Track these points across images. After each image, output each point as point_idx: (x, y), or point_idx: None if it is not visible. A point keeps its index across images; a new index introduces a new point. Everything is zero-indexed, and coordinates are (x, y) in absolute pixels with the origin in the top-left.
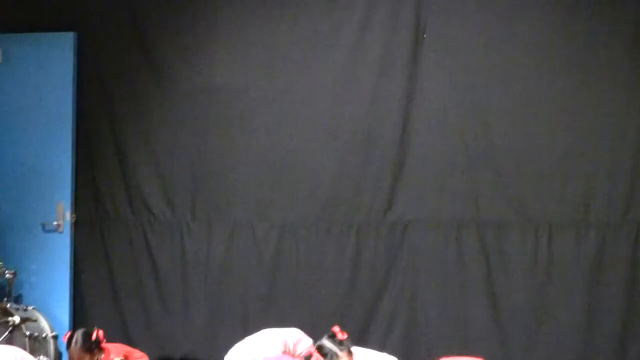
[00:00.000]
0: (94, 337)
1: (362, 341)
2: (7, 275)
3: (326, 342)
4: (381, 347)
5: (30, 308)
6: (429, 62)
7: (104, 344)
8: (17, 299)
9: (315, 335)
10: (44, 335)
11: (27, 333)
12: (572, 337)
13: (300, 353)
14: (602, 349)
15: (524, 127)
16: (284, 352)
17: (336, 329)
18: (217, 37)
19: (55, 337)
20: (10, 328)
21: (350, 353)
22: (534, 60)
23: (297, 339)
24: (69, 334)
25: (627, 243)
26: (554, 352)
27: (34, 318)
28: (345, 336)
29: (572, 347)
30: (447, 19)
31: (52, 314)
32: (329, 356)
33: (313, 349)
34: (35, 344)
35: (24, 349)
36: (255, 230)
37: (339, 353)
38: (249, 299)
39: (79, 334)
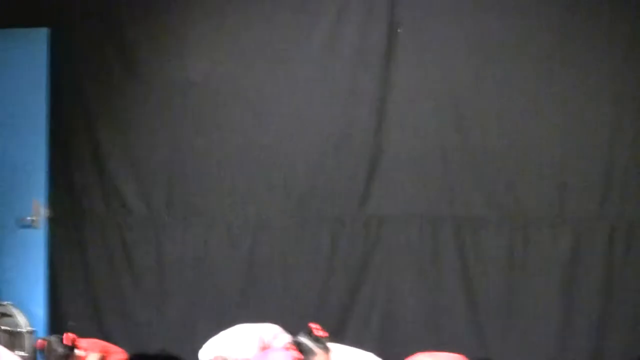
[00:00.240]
0: (67, 341)
1: (338, 337)
2: None
3: (303, 339)
4: (357, 343)
5: (6, 303)
6: (403, 57)
7: (79, 343)
8: None
9: (291, 331)
10: (19, 330)
11: (3, 328)
12: (548, 333)
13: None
14: (577, 345)
15: (499, 123)
16: (261, 348)
17: (313, 325)
18: (192, 33)
19: (31, 332)
20: None
21: (327, 350)
22: (508, 55)
23: (273, 334)
24: (41, 342)
25: (603, 239)
26: (529, 348)
27: (10, 313)
28: (322, 333)
29: (547, 344)
30: (422, 13)
31: (28, 309)
32: (305, 353)
33: (290, 345)
34: (11, 339)
35: (1, 344)
36: (231, 226)
37: (316, 350)
38: (225, 295)
39: (52, 343)
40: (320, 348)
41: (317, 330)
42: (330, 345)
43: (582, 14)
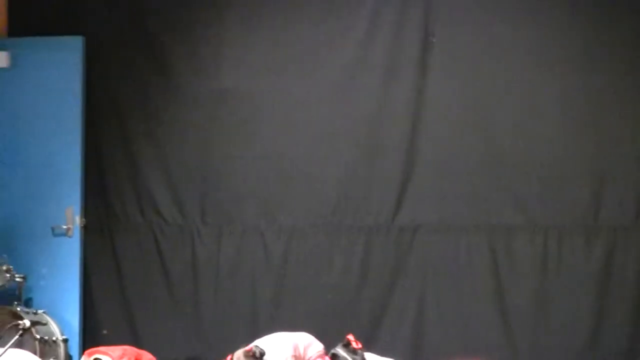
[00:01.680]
0: None
1: (369, 344)
2: (17, 279)
3: (340, 351)
4: (388, 351)
5: (40, 312)
6: (436, 66)
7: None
8: (27, 303)
9: (323, 339)
10: (54, 339)
11: (37, 336)
12: (580, 342)
13: (311, 357)
14: (610, 354)
15: (533, 131)
16: (294, 356)
17: (350, 337)
18: (225, 41)
19: (65, 341)
20: (21, 332)
21: None
22: (541, 65)
23: (307, 343)
24: None
25: (637, 248)
26: (561, 357)
27: (44, 322)
28: (360, 345)
29: (580, 353)
30: (455, 23)
31: (61, 317)
32: None
33: (322, 352)
34: (45, 347)
35: (34, 352)
36: (264, 234)
37: None
38: (258, 303)
39: None
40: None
41: (354, 342)
42: (366, 356)
43: (611, 23)
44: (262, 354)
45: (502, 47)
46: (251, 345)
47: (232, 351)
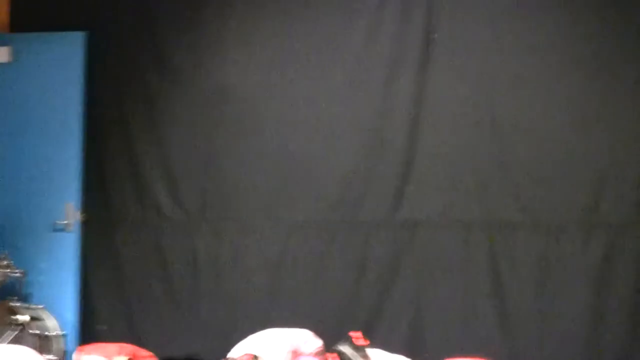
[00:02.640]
0: None
1: (368, 340)
2: (17, 274)
3: (344, 348)
4: (387, 347)
5: (38, 307)
6: (439, 62)
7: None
8: (26, 298)
9: (322, 335)
10: (52, 334)
11: (35, 332)
12: (579, 339)
13: (310, 354)
14: (609, 352)
15: (534, 128)
16: (291, 352)
17: (354, 334)
18: (228, 37)
19: (63, 336)
20: (19, 327)
21: (367, 358)
22: (544, 61)
23: (304, 339)
24: None
25: (636, 245)
26: (560, 354)
27: (42, 317)
28: (367, 342)
29: (579, 350)
30: (458, 19)
31: (60, 313)
32: None
33: (321, 348)
34: (43, 343)
35: (33, 348)
36: (264, 230)
37: (356, 359)
38: (257, 299)
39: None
40: (361, 357)
41: (358, 339)
42: (370, 352)
43: (617, 20)
44: None
45: (504, 44)
46: (247, 354)
47: (229, 348)
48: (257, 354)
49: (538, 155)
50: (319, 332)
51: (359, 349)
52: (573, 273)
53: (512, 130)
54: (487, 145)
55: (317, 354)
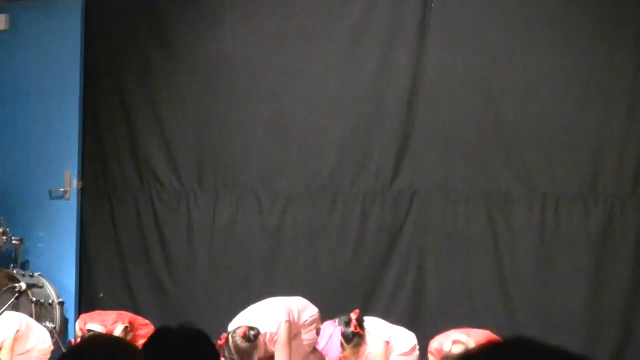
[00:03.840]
0: None
1: (367, 311)
2: (14, 242)
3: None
4: (386, 317)
5: (36, 275)
6: (437, 32)
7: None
8: (24, 266)
9: (319, 305)
10: (50, 301)
11: (34, 299)
12: (578, 308)
13: (305, 322)
14: (608, 320)
15: (532, 99)
16: (288, 321)
17: (353, 316)
18: (226, 8)
19: (61, 304)
20: (17, 294)
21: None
22: (542, 33)
23: (302, 307)
24: None
25: (636, 215)
26: (560, 323)
27: (40, 285)
28: (358, 329)
29: (578, 319)
30: None
31: (58, 281)
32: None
33: (317, 316)
34: (41, 310)
35: (30, 315)
36: (261, 200)
37: (345, 345)
38: (254, 268)
39: None
40: (350, 342)
41: (353, 323)
42: (370, 322)
43: None
44: (256, 336)
45: (504, 13)
46: (244, 327)
47: (226, 317)
48: (253, 326)
49: (537, 126)
50: (317, 302)
51: (350, 333)
52: (572, 243)
53: (511, 101)
54: (485, 116)
55: (313, 321)
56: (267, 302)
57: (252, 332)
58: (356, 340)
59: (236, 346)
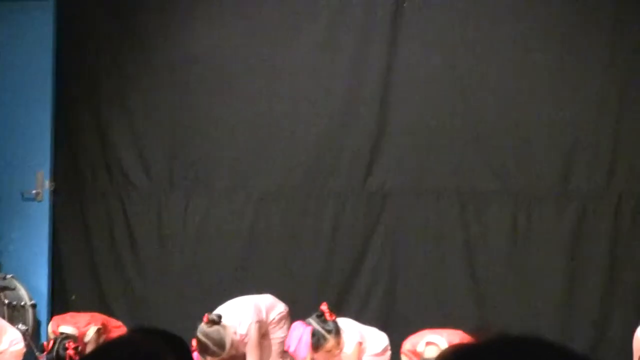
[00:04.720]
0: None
1: (340, 311)
2: None
3: (313, 322)
4: (359, 318)
5: (9, 277)
6: (408, 31)
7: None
8: None
9: (292, 305)
10: (22, 303)
11: (6, 301)
12: (552, 309)
13: (274, 319)
14: (581, 320)
15: (505, 97)
16: (258, 321)
17: (324, 307)
18: (198, 6)
19: (33, 306)
20: None
21: (338, 335)
22: (516, 31)
23: (269, 304)
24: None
25: (608, 214)
26: (533, 324)
27: (13, 287)
28: (333, 317)
29: (551, 319)
30: None
31: (30, 282)
32: (316, 338)
33: (285, 313)
34: (13, 312)
35: (3, 317)
36: (233, 200)
37: (327, 336)
38: (226, 268)
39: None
40: (331, 334)
41: (327, 313)
42: (343, 322)
43: None
44: (220, 316)
45: (476, 11)
46: (206, 315)
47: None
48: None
49: (510, 124)
50: (289, 303)
51: (327, 323)
52: (545, 241)
53: (484, 99)
54: (458, 114)
55: (281, 318)
56: (234, 302)
57: (214, 316)
58: (336, 327)
59: (205, 334)
